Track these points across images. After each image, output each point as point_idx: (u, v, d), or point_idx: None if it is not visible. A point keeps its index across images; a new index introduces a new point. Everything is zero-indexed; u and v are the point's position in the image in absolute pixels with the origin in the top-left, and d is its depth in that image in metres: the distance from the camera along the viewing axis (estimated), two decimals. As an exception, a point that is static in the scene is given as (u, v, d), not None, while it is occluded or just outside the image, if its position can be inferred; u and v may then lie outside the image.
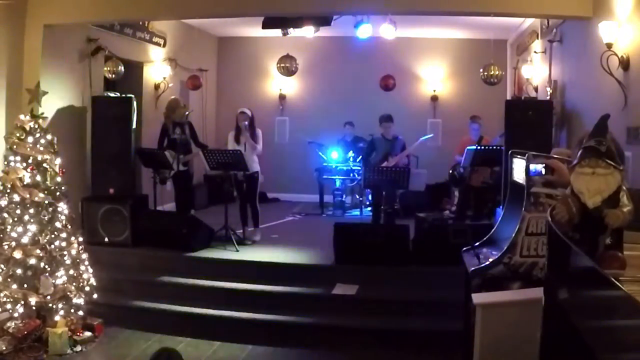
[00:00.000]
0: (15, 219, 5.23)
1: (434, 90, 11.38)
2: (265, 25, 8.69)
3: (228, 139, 7.70)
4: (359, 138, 10.06)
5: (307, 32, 9.15)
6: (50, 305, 5.26)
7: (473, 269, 4.20)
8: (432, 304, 5.73)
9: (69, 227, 5.52)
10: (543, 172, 3.99)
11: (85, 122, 7.48)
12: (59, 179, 5.50)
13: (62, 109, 7.08)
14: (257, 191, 7.70)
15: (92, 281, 5.63)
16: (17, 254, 5.13)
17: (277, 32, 9.45)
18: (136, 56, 8.87)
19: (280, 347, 5.54)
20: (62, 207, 5.47)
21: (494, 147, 7.55)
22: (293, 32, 9.17)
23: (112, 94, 7.56)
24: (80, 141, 7.45)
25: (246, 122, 7.52)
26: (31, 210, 5.27)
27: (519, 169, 4.30)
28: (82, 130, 7.48)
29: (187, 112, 8.00)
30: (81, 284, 5.50)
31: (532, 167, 4.04)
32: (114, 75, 7.78)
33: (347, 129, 10.18)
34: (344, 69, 11.32)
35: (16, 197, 5.25)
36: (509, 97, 9.68)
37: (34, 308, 5.24)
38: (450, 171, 8.66)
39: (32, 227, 5.24)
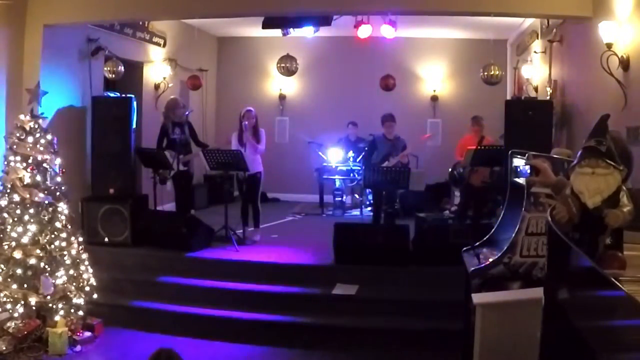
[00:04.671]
0: (15, 219, 5.23)
1: (434, 90, 11.38)
2: (265, 25, 8.69)
3: (232, 140, 7.68)
4: (360, 138, 10.07)
5: (307, 32, 9.15)
6: (50, 305, 5.26)
7: (473, 269, 4.20)
8: (432, 304, 5.72)
9: (69, 227, 5.52)
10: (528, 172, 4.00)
11: (85, 122, 7.48)
12: (59, 179, 5.50)
13: (62, 109, 7.08)
14: (259, 191, 7.70)
15: (92, 281, 5.62)
16: (17, 254, 5.13)
17: (277, 32, 9.46)
18: (136, 56, 8.87)
19: (280, 347, 5.53)
20: (62, 207, 5.47)
21: (494, 147, 7.55)
22: (293, 32, 9.17)
23: (112, 94, 7.55)
24: (80, 141, 7.45)
25: (253, 121, 7.52)
26: (31, 210, 5.27)
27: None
28: (82, 130, 7.48)
29: (187, 112, 8.00)
30: (81, 284, 5.50)
31: (521, 166, 4.05)
32: (114, 75, 7.77)
33: (350, 129, 10.18)
34: (344, 69, 11.32)
35: (16, 197, 5.25)
36: (509, 97, 9.67)
37: (34, 308, 5.24)
38: (450, 170, 8.66)
39: (32, 227, 5.24)
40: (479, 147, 7.75)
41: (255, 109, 7.73)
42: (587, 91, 6.39)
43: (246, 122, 7.53)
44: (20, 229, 5.21)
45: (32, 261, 5.20)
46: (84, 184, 7.35)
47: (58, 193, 5.45)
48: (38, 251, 5.21)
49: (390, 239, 6.52)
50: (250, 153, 7.43)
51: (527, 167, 3.98)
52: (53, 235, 5.34)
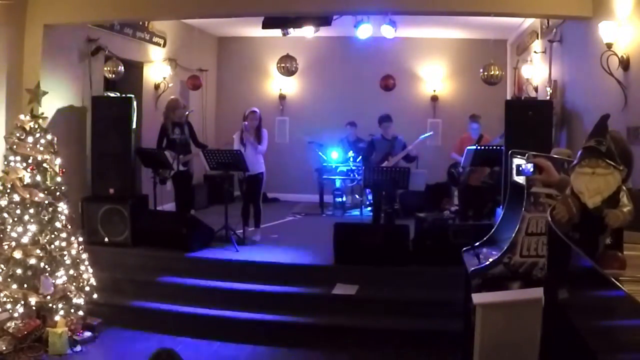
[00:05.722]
0: (15, 219, 5.23)
1: (434, 90, 11.37)
2: (265, 25, 8.69)
3: (234, 140, 7.68)
4: (359, 139, 10.07)
5: (307, 32, 9.15)
6: (50, 305, 5.26)
7: (473, 269, 4.20)
8: (432, 304, 5.72)
9: (69, 227, 5.53)
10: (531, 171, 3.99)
11: (85, 122, 7.48)
12: (59, 179, 5.50)
13: (62, 109, 7.08)
14: (261, 192, 7.70)
15: (92, 281, 5.63)
16: (17, 254, 5.13)
17: (277, 32, 9.45)
18: (136, 56, 8.87)
19: (280, 347, 5.53)
20: (62, 207, 5.47)
21: (494, 147, 7.56)
22: (293, 32, 9.17)
23: (112, 94, 7.55)
24: (80, 141, 7.45)
25: (256, 122, 7.52)
26: (31, 210, 5.27)
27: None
28: (82, 130, 7.48)
29: (187, 112, 8.00)
30: (81, 284, 5.50)
31: (523, 165, 4.05)
32: (114, 75, 7.78)
33: (348, 129, 10.18)
34: (344, 69, 11.32)
35: (16, 197, 5.25)
36: (509, 97, 9.69)
37: (34, 308, 5.25)
38: (449, 169, 8.65)
39: (32, 227, 5.24)
40: (478, 147, 7.75)
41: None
42: (587, 91, 6.39)
43: (246, 123, 7.53)
44: (20, 229, 5.21)
45: (32, 261, 5.20)
46: (84, 184, 7.36)
47: (58, 193, 5.45)
48: (38, 251, 5.21)
49: (390, 239, 6.52)
50: (251, 153, 7.43)
51: (530, 165, 3.98)
52: (53, 235, 5.34)
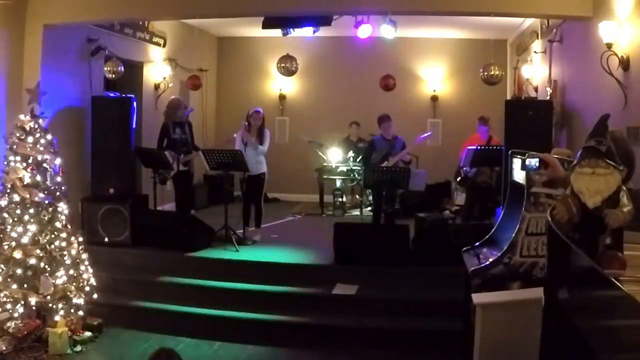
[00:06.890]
0: (15, 219, 5.23)
1: (434, 90, 11.37)
2: (265, 25, 8.68)
3: (236, 139, 7.67)
4: (361, 139, 10.07)
5: (307, 32, 9.14)
6: (50, 305, 5.26)
7: (473, 269, 4.20)
8: (432, 304, 5.73)
9: (69, 227, 5.53)
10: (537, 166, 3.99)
11: (85, 122, 7.48)
12: (59, 179, 5.50)
13: (62, 109, 7.07)
14: (263, 192, 7.69)
15: (92, 281, 5.63)
16: (17, 254, 5.13)
17: (277, 32, 9.45)
18: (136, 56, 8.87)
19: (280, 347, 5.53)
20: (62, 207, 5.47)
21: (494, 147, 7.55)
22: (293, 32, 9.16)
23: (112, 94, 7.55)
24: (80, 141, 7.45)
25: (259, 122, 7.51)
26: (31, 210, 5.27)
27: (518, 169, 4.31)
28: (82, 130, 7.48)
29: (187, 112, 7.99)
30: (81, 284, 5.50)
31: (528, 161, 4.04)
32: (114, 75, 7.77)
33: (352, 129, 10.17)
34: (344, 69, 11.32)
35: (16, 197, 5.25)
36: (509, 97, 9.68)
37: (34, 308, 5.24)
38: (457, 170, 8.63)
39: (32, 227, 5.24)
40: (478, 147, 7.73)
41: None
42: (587, 91, 6.39)
43: (246, 123, 7.53)
44: (20, 229, 5.21)
45: (32, 261, 5.20)
46: (84, 184, 7.35)
47: (58, 193, 5.45)
48: (38, 251, 5.21)
49: (390, 239, 6.52)
50: (252, 154, 7.43)
51: (535, 161, 3.97)
52: (53, 235, 5.34)
